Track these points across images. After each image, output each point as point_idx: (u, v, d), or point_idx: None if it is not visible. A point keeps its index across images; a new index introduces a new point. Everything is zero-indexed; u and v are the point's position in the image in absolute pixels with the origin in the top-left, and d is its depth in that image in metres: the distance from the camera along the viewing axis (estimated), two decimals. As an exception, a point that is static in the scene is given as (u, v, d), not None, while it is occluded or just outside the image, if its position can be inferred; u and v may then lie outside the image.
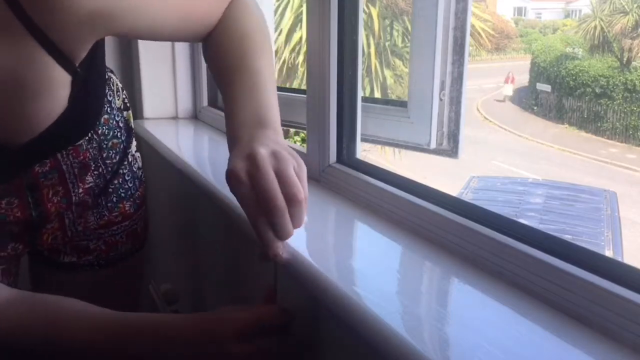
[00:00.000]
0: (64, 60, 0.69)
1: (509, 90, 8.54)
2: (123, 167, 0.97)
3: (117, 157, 0.95)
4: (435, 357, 0.49)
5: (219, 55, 0.80)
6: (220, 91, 0.79)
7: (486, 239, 0.65)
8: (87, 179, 0.90)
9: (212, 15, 0.81)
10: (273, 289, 0.70)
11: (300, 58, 5.81)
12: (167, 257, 1.51)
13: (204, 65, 1.56)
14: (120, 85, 0.98)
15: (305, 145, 1.01)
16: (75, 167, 0.87)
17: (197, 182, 1.05)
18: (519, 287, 0.60)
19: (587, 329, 0.53)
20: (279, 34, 5.85)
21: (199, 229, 1.20)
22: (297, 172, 0.65)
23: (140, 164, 1.03)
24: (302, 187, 0.64)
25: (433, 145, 0.89)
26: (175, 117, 1.60)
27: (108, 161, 0.93)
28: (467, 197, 3.97)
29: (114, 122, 0.93)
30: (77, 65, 0.72)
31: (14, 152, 0.76)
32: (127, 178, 0.98)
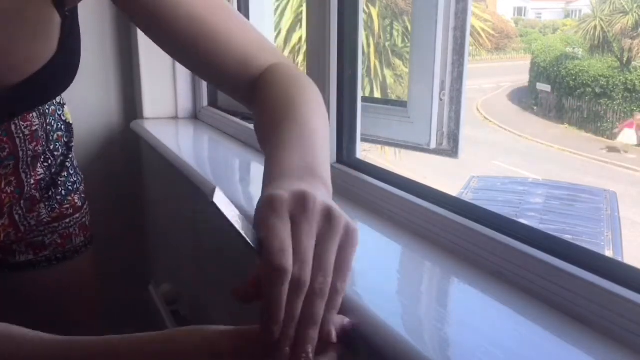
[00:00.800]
0: (57, 0, 0.70)
1: (630, 137, 5.79)
2: (68, 160, 0.97)
3: (61, 150, 0.95)
4: (435, 357, 0.49)
5: (265, 109, 0.69)
6: (263, 148, 0.66)
7: (486, 239, 0.65)
8: (37, 170, 0.90)
9: (251, 44, 0.73)
10: None
11: (300, 58, 5.81)
12: (167, 257, 1.51)
13: (204, 65, 1.56)
14: None
15: (305, 145, 1.01)
16: (30, 155, 0.86)
17: (197, 182, 1.05)
18: (519, 287, 0.60)
19: (587, 329, 0.53)
20: (279, 34, 5.85)
21: (199, 228, 1.20)
22: (343, 247, 0.51)
23: (76, 161, 1.02)
24: (341, 280, 0.50)
25: (433, 145, 0.89)
26: (175, 117, 1.60)
27: (56, 153, 0.93)
28: (467, 197, 3.97)
29: (57, 115, 0.93)
30: (66, 9, 0.72)
31: None
32: (71, 172, 0.98)
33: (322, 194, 0.54)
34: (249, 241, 0.53)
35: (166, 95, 1.57)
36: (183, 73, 1.58)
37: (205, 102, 1.58)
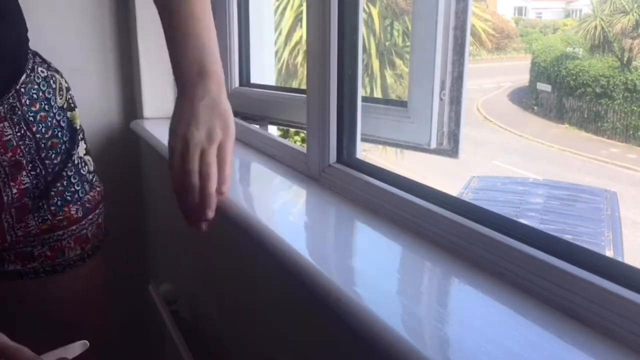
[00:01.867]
0: None
1: None
2: (67, 169, 0.92)
3: (59, 158, 0.90)
4: (435, 357, 0.49)
5: None
6: (164, 32, 0.84)
7: (486, 239, 0.65)
8: (22, 178, 0.86)
9: None
10: None
11: (300, 58, 5.81)
12: (167, 257, 1.51)
13: (204, 65, 1.56)
14: (66, 85, 0.94)
15: (305, 145, 1.01)
16: (6, 165, 0.83)
17: (197, 182, 1.04)
18: (519, 287, 0.60)
19: (587, 329, 0.53)
20: (279, 34, 5.85)
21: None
22: (222, 145, 0.78)
23: (91, 168, 0.97)
24: (222, 173, 0.78)
25: (433, 145, 0.89)
26: (175, 117, 1.60)
27: (47, 161, 0.89)
28: (468, 197, 3.97)
29: (55, 121, 0.89)
30: None
31: None
32: (73, 181, 0.92)
33: (209, 106, 0.79)
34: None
35: (166, 95, 1.57)
36: (183, 73, 1.58)
37: (205, 102, 1.58)
